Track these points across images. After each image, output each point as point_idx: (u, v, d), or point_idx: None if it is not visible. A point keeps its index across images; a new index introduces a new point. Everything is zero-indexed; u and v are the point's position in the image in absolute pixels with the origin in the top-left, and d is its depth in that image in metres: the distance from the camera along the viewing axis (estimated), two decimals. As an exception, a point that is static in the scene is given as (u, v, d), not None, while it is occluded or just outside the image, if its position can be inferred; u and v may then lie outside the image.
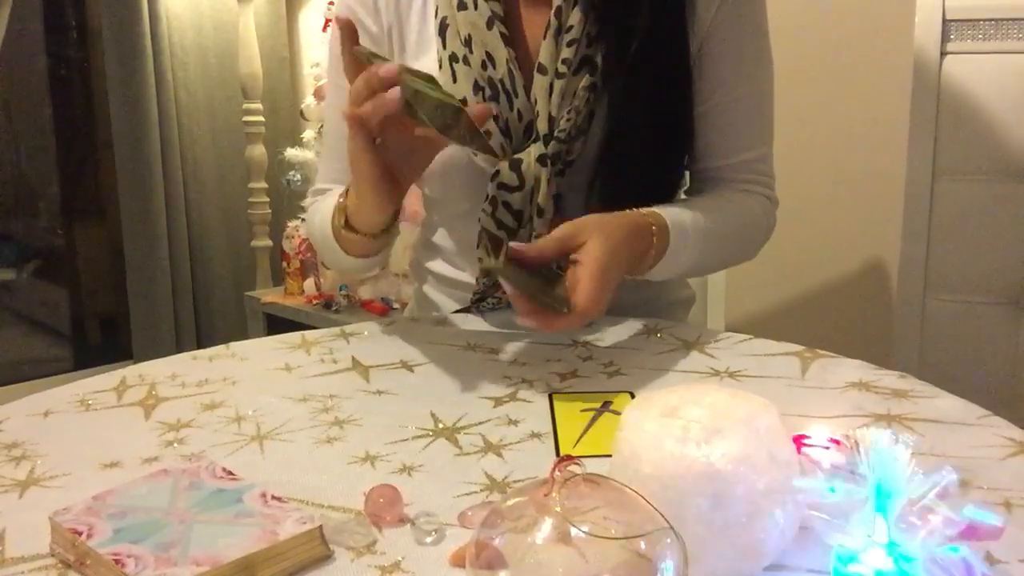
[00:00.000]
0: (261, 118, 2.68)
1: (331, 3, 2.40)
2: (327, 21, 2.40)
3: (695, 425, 0.55)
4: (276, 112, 2.86)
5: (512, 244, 0.89)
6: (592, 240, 0.89)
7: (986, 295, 1.33)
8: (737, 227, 1.09)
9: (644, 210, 0.99)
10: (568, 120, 1.02)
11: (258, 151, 2.69)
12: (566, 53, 1.02)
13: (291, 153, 2.54)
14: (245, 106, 2.67)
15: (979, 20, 1.29)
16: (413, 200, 1.22)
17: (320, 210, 1.11)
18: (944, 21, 1.30)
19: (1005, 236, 1.31)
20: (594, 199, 1.05)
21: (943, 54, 1.31)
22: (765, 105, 1.11)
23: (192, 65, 2.74)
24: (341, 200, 1.01)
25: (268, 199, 2.73)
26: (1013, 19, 1.27)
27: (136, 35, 2.57)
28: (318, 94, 2.45)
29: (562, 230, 0.91)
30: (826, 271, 1.90)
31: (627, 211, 0.98)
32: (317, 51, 2.58)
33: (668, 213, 0.99)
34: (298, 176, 2.54)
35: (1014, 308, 1.32)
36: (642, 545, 0.49)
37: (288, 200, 2.71)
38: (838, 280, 1.89)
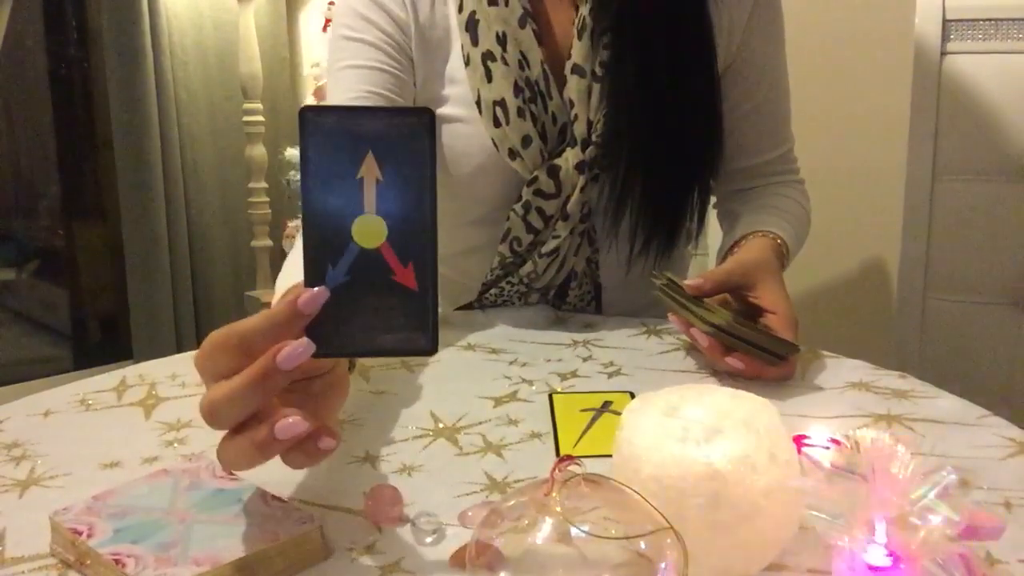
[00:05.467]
0: (261, 118, 2.68)
1: (331, 3, 2.40)
2: (327, 21, 2.40)
3: (695, 425, 0.55)
4: (276, 112, 2.86)
5: (687, 282, 0.89)
6: (768, 282, 0.91)
7: (986, 295, 1.33)
8: (804, 221, 1.15)
9: (771, 233, 1.02)
10: (605, 124, 1.01)
11: (258, 151, 2.69)
12: (603, 55, 1.01)
13: (291, 153, 2.54)
14: (245, 106, 2.67)
15: (979, 20, 1.29)
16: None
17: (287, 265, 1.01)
18: (944, 21, 1.30)
19: (1005, 236, 1.31)
20: (623, 203, 1.04)
21: (943, 54, 1.31)
22: (789, 101, 1.18)
23: (192, 65, 2.74)
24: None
25: (268, 199, 2.73)
26: (1013, 19, 1.28)
27: (136, 35, 2.57)
28: (318, 94, 2.45)
29: (727, 268, 0.93)
30: (826, 271, 1.90)
31: (762, 239, 1.01)
32: (317, 51, 2.58)
33: (783, 231, 1.03)
34: (298, 176, 2.54)
35: (1014, 308, 1.32)
36: (642, 545, 0.49)
37: (288, 200, 2.71)
38: (838, 280, 1.89)
